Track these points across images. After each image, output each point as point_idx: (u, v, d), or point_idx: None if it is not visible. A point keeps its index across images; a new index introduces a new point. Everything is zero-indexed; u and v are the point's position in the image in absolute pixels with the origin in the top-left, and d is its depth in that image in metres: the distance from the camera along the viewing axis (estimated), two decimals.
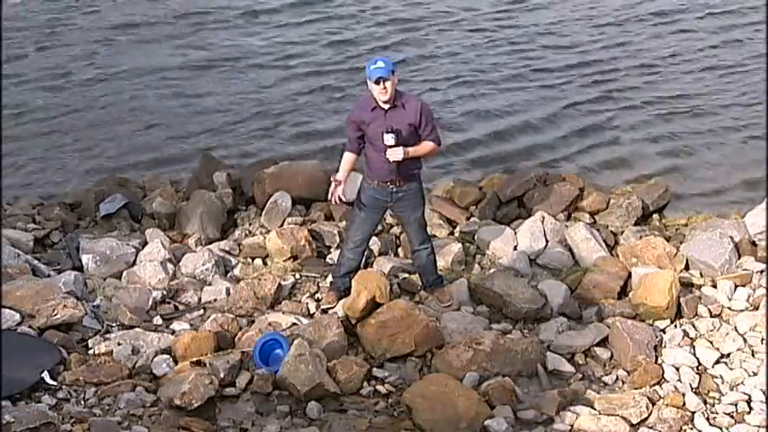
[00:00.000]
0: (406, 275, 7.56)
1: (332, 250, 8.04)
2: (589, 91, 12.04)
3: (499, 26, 14.40)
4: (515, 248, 8.03)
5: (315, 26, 14.65)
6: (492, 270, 7.76)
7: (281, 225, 8.38)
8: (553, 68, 12.77)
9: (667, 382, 6.35)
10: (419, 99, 6.79)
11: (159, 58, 13.39)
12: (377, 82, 6.38)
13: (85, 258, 7.72)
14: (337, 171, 6.83)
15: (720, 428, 5.92)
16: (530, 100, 11.82)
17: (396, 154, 6.47)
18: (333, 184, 6.77)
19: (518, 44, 13.72)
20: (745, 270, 7.44)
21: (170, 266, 7.65)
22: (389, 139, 6.43)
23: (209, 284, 7.53)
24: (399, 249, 8.14)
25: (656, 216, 8.88)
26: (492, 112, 11.56)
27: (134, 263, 7.77)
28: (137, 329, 6.70)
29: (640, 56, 13.09)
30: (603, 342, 6.74)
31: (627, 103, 11.66)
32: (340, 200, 6.81)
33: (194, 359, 6.26)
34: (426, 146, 6.63)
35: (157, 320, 6.99)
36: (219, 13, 15.17)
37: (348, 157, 6.79)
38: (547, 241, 8.06)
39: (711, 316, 6.97)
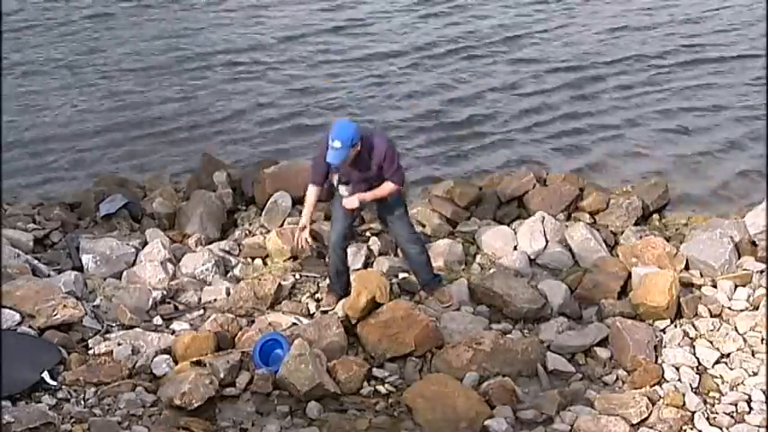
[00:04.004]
0: (406, 275, 7.55)
1: None
2: (590, 92, 12.03)
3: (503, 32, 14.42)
4: (515, 248, 8.03)
5: (316, 23, 14.67)
6: (492, 270, 7.76)
7: (281, 225, 8.37)
8: (553, 69, 12.77)
9: (667, 381, 6.34)
10: (387, 142, 6.60)
11: (159, 58, 13.38)
12: None
13: (85, 258, 7.72)
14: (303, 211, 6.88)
15: (720, 428, 5.92)
16: (530, 101, 11.81)
17: (351, 203, 6.64)
18: (298, 231, 6.82)
19: (518, 45, 13.73)
20: (745, 270, 7.44)
21: (170, 266, 7.65)
22: (343, 190, 6.61)
23: (209, 284, 7.53)
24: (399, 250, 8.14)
25: (656, 216, 8.86)
26: (493, 112, 11.55)
27: (134, 263, 7.77)
28: (137, 329, 6.71)
29: (643, 57, 13.06)
30: (603, 342, 6.74)
31: (627, 104, 11.65)
32: (308, 243, 6.85)
33: (194, 359, 6.26)
34: (385, 188, 6.67)
35: (157, 320, 6.99)
36: (216, 13, 15.21)
37: (312, 192, 6.73)
38: (547, 241, 8.05)
39: (711, 316, 6.97)
